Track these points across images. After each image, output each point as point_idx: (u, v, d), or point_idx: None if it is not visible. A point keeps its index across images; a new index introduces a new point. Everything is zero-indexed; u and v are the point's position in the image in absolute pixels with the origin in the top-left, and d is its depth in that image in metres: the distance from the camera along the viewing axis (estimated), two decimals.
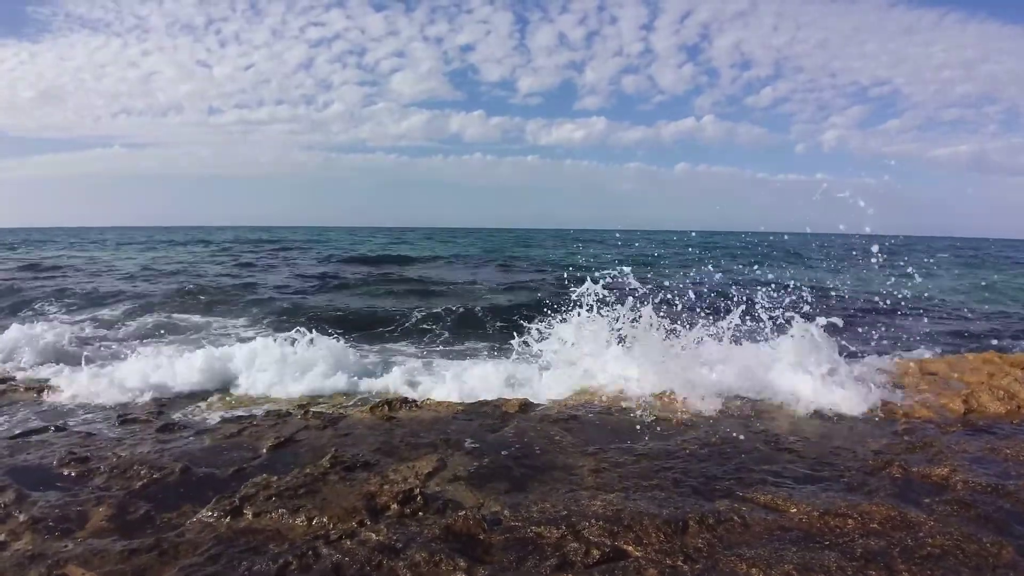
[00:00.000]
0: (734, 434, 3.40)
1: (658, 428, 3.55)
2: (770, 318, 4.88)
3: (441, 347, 8.03)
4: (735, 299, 5.14)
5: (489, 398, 4.43)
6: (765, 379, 4.30)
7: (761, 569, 1.94)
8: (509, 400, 4.20)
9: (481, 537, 2.20)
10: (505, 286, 15.04)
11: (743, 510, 2.35)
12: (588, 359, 4.78)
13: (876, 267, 4.84)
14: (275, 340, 5.95)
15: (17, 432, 3.67)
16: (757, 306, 4.96)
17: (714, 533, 2.20)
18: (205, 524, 2.36)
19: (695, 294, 5.25)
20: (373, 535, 2.19)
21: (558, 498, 2.51)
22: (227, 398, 5.08)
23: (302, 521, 2.36)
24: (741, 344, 4.82)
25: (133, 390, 4.94)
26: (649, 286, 4.95)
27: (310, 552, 2.08)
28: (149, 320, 9.27)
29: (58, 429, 3.77)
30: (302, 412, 4.17)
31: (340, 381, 5.34)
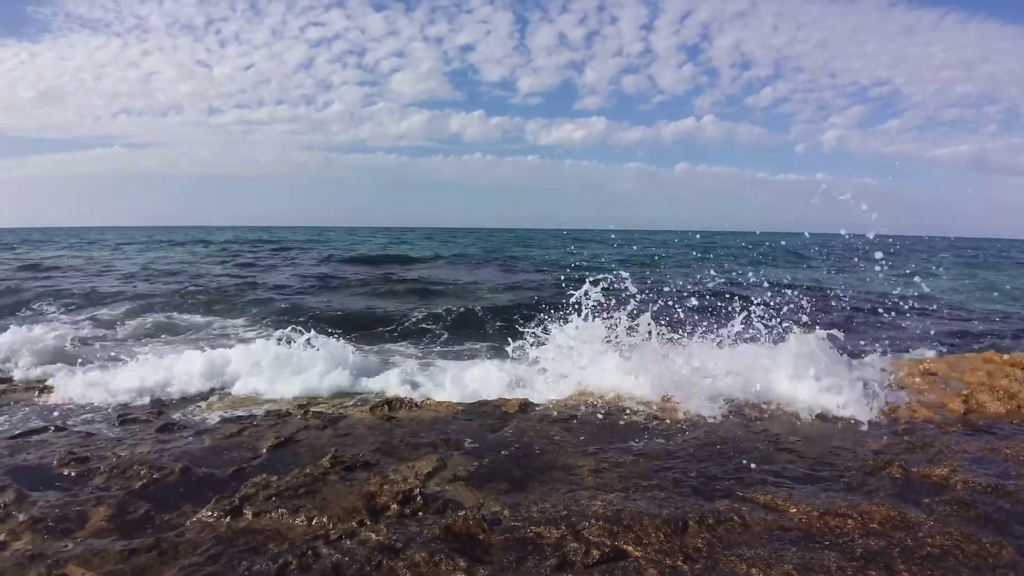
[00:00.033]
0: (734, 434, 3.41)
1: (658, 428, 3.56)
2: (767, 327, 4.87)
3: (441, 347, 8.03)
4: (735, 303, 5.14)
5: (489, 398, 4.44)
6: (765, 384, 4.29)
7: (761, 569, 1.94)
8: (509, 400, 4.20)
9: (481, 537, 2.20)
10: (505, 286, 15.05)
11: (743, 510, 2.35)
12: (586, 369, 4.75)
13: (876, 268, 4.84)
14: (274, 340, 5.95)
15: (17, 432, 3.67)
16: (756, 316, 4.95)
17: (714, 533, 2.20)
18: (205, 524, 2.36)
19: (695, 298, 5.24)
20: (373, 535, 2.19)
21: (558, 498, 2.51)
22: (227, 398, 5.08)
23: (302, 521, 2.36)
24: (741, 349, 4.81)
25: (133, 390, 4.95)
26: (648, 292, 4.93)
27: (310, 552, 2.08)
28: (149, 320, 9.28)
29: (58, 429, 3.77)
30: (302, 412, 4.17)
31: (340, 381, 5.35)
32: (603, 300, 4.88)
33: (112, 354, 6.77)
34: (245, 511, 2.43)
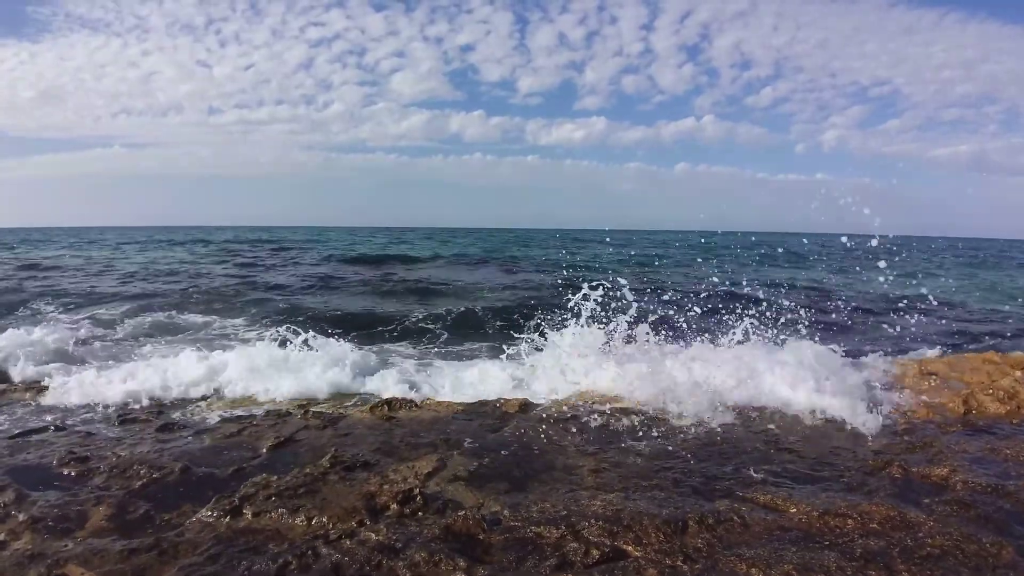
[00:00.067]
0: (734, 435, 3.41)
1: (657, 429, 3.55)
2: (767, 329, 4.87)
3: (441, 347, 8.03)
4: (735, 304, 5.13)
5: (489, 398, 4.43)
6: (764, 386, 4.29)
7: (761, 569, 1.94)
8: (509, 400, 4.20)
9: (481, 537, 2.20)
10: (505, 286, 15.05)
11: (743, 510, 2.35)
12: (585, 374, 4.73)
13: (881, 278, 4.83)
14: (274, 342, 5.94)
15: (17, 432, 3.67)
16: (756, 318, 4.94)
17: (714, 533, 2.20)
18: (205, 524, 2.36)
19: (695, 299, 5.23)
20: (373, 535, 2.19)
21: (558, 498, 2.51)
22: (226, 398, 5.08)
23: (302, 521, 2.36)
24: (741, 352, 4.80)
25: (132, 390, 4.94)
26: (647, 297, 4.91)
27: (310, 552, 2.08)
28: (148, 320, 9.27)
29: (58, 429, 3.77)
30: (302, 412, 4.17)
31: (339, 382, 5.34)
32: (596, 309, 4.84)
33: (112, 354, 6.77)
34: (245, 511, 2.43)
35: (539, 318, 5.45)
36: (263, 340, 6.07)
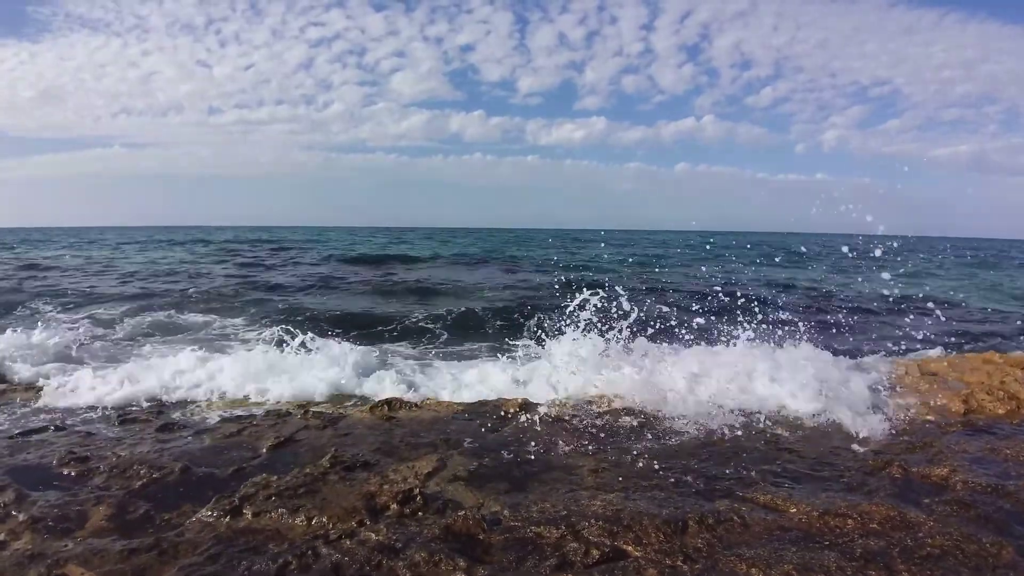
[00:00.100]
0: (734, 435, 3.41)
1: (657, 429, 3.55)
2: (767, 330, 4.86)
3: (441, 347, 8.03)
4: (735, 304, 5.12)
5: (489, 398, 4.43)
6: (764, 387, 4.28)
7: (761, 569, 1.94)
8: (509, 400, 4.20)
9: (481, 537, 2.20)
10: (505, 286, 15.05)
11: (743, 510, 2.35)
12: (584, 379, 4.71)
13: (885, 291, 4.83)
14: (273, 344, 5.94)
15: (17, 432, 3.66)
16: (756, 320, 4.93)
17: (714, 533, 2.20)
18: (205, 524, 2.36)
19: (693, 303, 5.22)
20: (373, 535, 2.19)
21: (558, 498, 2.51)
22: (226, 399, 5.07)
23: (302, 521, 2.36)
24: (741, 353, 4.79)
25: (132, 389, 4.94)
26: (646, 298, 4.90)
27: (310, 552, 2.08)
28: (148, 319, 9.27)
29: (57, 429, 3.77)
30: (302, 412, 4.17)
31: (339, 383, 5.33)
32: (595, 316, 4.81)
33: (111, 354, 6.77)
34: (245, 511, 2.43)
35: (539, 318, 5.44)
36: (263, 340, 6.07)
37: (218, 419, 4.22)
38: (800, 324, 4.85)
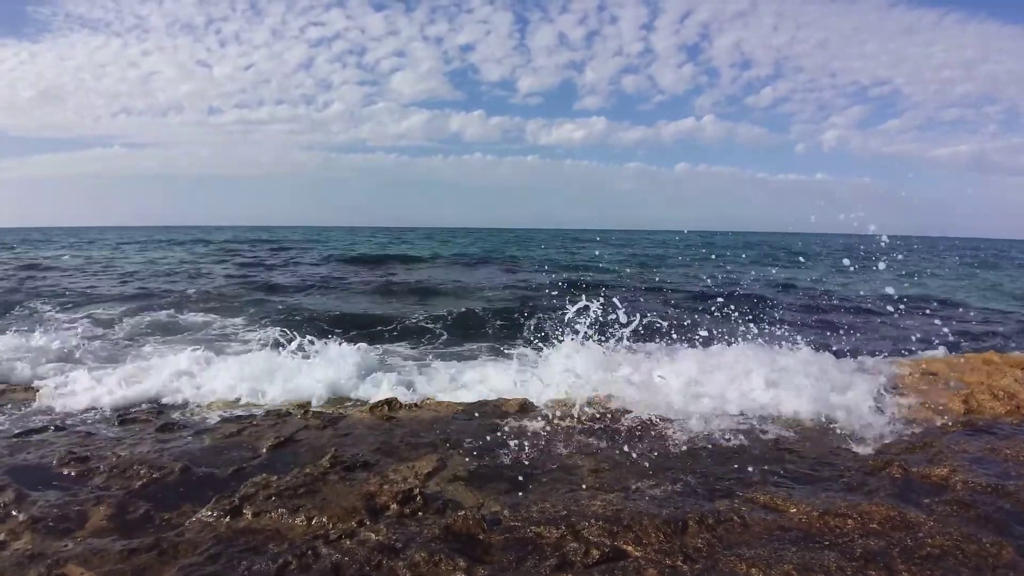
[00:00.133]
0: (733, 435, 3.40)
1: (657, 430, 3.55)
2: (766, 330, 4.86)
3: (441, 347, 8.03)
4: (735, 308, 5.12)
5: (489, 398, 4.43)
6: (764, 388, 4.28)
7: (761, 569, 1.94)
8: (509, 400, 4.20)
9: (481, 537, 2.20)
10: (505, 286, 15.05)
11: (743, 510, 2.35)
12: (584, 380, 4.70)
13: (876, 269, 4.83)
14: (273, 343, 5.93)
15: (17, 432, 3.66)
16: (755, 324, 4.93)
17: (714, 533, 2.20)
18: (205, 524, 2.36)
19: (694, 303, 5.22)
20: (373, 535, 2.19)
21: (558, 498, 2.51)
22: (226, 401, 5.07)
23: (302, 521, 2.36)
24: (740, 355, 4.79)
25: (132, 389, 4.94)
26: (646, 299, 4.89)
27: (309, 552, 2.08)
28: (148, 319, 9.28)
29: (57, 429, 3.77)
30: (302, 412, 4.17)
31: (338, 383, 5.33)
32: (588, 332, 4.79)
33: (111, 353, 6.77)
34: (245, 511, 2.43)
35: (539, 319, 5.44)
36: (262, 341, 6.06)
37: (218, 419, 4.22)
38: (800, 324, 4.86)
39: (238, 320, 9.68)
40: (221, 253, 27.59)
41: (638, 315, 4.61)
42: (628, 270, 20.74)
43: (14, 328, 6.80)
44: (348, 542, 2.15)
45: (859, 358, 5.48)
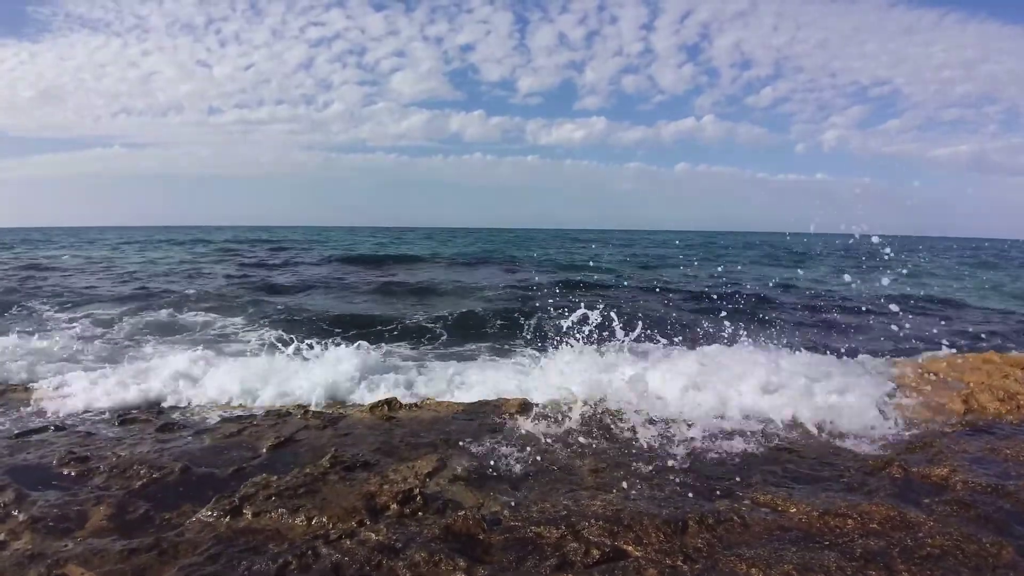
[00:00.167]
0: (733, 435, 3.40)
1: (657, 430, 3.55)
2: (766, 330, 4.86)
3: (441, 348, 8.03)
4: (735, 309, 5.12)
5: (489, 398, 4.43)
6: (763, 389, 4.28)
7: (761, 569, 1.94)
8: (509, 400, 4.20)
9: (481, 537, 2.20)
10: (505, 286, 15.05)
11: (743, 510, 2.35)
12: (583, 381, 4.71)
13: (877, 268, 4.83)
14: (272, 344, 5.93)
15: (17, 432, 3.66)
16: (755, 325, 4.93)
17: (714, 533, 2.20)
18: (205, 524, 2.36)
19: (694, 304, 5.23)
20: (373, 535, 2.19)
21: (558, 498, 2.51)
22: (225, 403, 5.06)
23: (302, 521, 2.36)
24: (740, 355, 4.79)
25: (132, 390, 4.94)
26: (646, 299, 4.90)
27: (310, 552, 2.08)
28: (148, 319, 9.27)
29: (57, 429, 3.77)
30: (302, 412, 4.17)
31: (338, 383, 5.32)
32: (594, 322, 4.78)
33: (111, 353, 6.77)
34: (245, 511, 2.42)
35: (539, 319, 5.44)
36: (262, 342, 6.06)
37: (218, 419, 4.22)
38: (800, 325, 4.85)
39: (238, 320, 9.68)
40: (221, 253, 27.59)
41: (639, 323, 4.60)
42: (628, 270, 20.74)
43: (14, 328, 6.79)
44: (348, 542, 2.15)
45: (859, 358, 5.48)
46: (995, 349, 5.54)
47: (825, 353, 5.01)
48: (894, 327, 7.18)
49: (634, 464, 2.93)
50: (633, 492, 2.57)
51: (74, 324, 8.85)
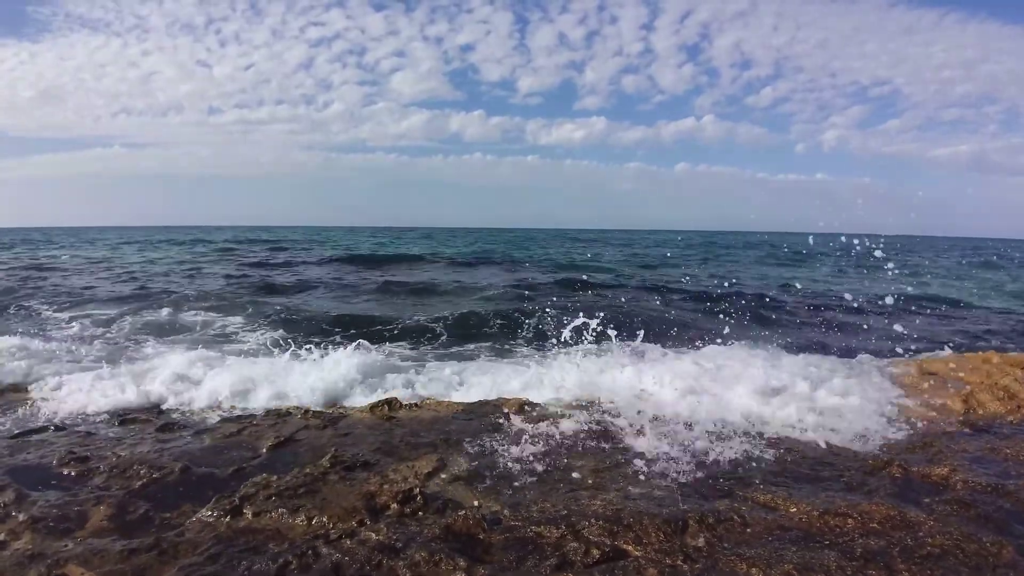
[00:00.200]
0: (733, 434, 3.40)
1: (657, 430, 3.55)
2: (763, 339, 4.86)
3: (441, 348, 8.03)
4: (736, 309, 5.12)
5: (489, 398, 4.43)
6: (762, 389, 4.29)
7: (761, 568, 1.94)
8: (509, 400, 4.20)
9: (481, 537, 2.20)
10: (505, 286, 15.04)
11: (743, 509, 2.35)
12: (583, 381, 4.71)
13: (876, 269, 4.83)
14: (272, 345, 5.93)
15: (16, 432, 3.66)
16: (755, 325, 4.93)
17: (714, 532, 2.20)
18: (205, 524, 2.36)
19: (694, 304, 5.23)
20: (373, 535, 2.19)
21: (558, 498, 2.51)
22: (223, 404, 5.05)
23: (302, 521, 2.36)
24: (739, 356, 4.79)
25: (132, 389, 4.93)
26: (646, 300, 4.90)
27: (310, 552, 2.08)
28: (148, 319, 9.27)
29: (57, 428, 3.77)
30: (302, 412, 4.16)
31: (338, 384, 5.32)
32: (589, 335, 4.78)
33: (111, 353, 6.76)
34: (245, 511, 2.42)
35: (539, 319, 5.44)
36: (262, 341, 6.05)
37: (218, 419, 4.22)
38: (800, 324, 4.85)
39: (238, 320, 9.68)
40: (221, 253, 27.60)
41: (638, 324, 4.60)
42: (628, 270, 20.75)
43: (13, 328, 6.79)
44: (348, 542, 2.15)
45: (859, 358, 5.48)
46: (995, 349, 5.54)
47: (825, 353, 5.01)
48: (894, 327, 7.18)
49: (634, 464, 2.93)
50: (633, 492, 2.57)
51: (73, 324, 8.85)
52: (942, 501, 2.45)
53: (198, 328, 8.96)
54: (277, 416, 4.05)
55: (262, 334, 8.36)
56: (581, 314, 4.88)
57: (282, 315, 9.96)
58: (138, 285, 14.33)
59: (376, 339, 8.34)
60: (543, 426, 3.56)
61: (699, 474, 2.80)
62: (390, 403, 4.11)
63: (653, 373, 4.36)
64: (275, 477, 2.72)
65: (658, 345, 4.90)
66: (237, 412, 4.53)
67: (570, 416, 3.76)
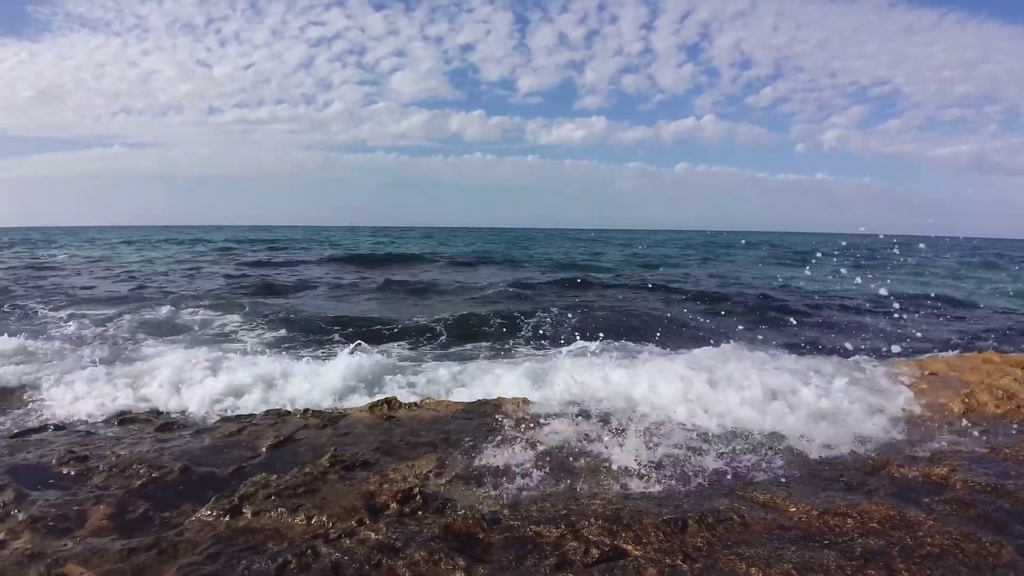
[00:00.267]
0: (732, 434, 3.40)
1: (657, 429, 3.55)
2: (764, 338, 4.86)
3: (441, 347, 8.03)
4: (736, 309, 5.12)
5: (488, 398, 4.43)
6: (762, 388, 4.28)
7: (760, 568, 1.94)
8: (509, 400, 4.20)
9: (480, 536, 2.20)
10: (505, 286, 15.04)
11: (742, 509, 2.35)
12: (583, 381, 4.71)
13: (877, 267, 4.83)
14: (273, 345, 5.93)
15: (16, 431, 3.67)
16: (755, 324, 4.93)
17: (713, 532, 2.19)
18: (204, 523, 2.36)
19: (694, 304, 5.23)
20: (372, 534, 2.19)
21: (557, 497, 2.51)
22: (222, 406, 5.05)
23: (301, 520, 2.36)
24: (739, 356, 4.79)
25: (131, 389, 4.94)
26: (646, 300, 4.91)
27: (309, 551, 2.08)
28: (147, 319, 9.27)
29: (57, 428, 3.77)
30: (301, 411, 4.16)
31: (338, 384, 5.32)
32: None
33: (111, 353, 6.76)
34: (244, 510, 2.42)
35: (539, 319, 5.43)
36: (261, 341, 6.06)
37: (217, 419, 4.22)
38: (800, 324, 4.85)
39: (237, 319, 9.68)
40: (220, 253, 27.60)
41: (637, 324, 4.60)
42: (628, 270, 20.75)
43: (12, 328, 6.79)
44: (348, 541, 2.15)
45: (858, 357, 5.48)
46: (995, 349, 5.54)
47: (825, 353, 5.01)
48: (894, 327, 7.18)
49: (633, 463, 2.93)
50: (632, 491, 2.57)
51: (72, 323, 8.84)
52: (942, 501, 2.44)
53: (197, 327, 8.96)
54: (276, 415, 4.05)
55: (261, 334, 8.36)
56: (578, 337, 4.88)
57: (281, 315, 9.95)
58: (137, 284, 14.34)
59: (376, 339, 8.35)
60: (543, 426, 3.56)
61: (698, 473, 2.80)
62: (390, 403, 4.11)
63: (652, 373, 4.36)
64: (275, 476, 2.72)
65: (657, 345, 4.89)
66: (237, 412, 4.53)
67: (569, 416, 3.76)
